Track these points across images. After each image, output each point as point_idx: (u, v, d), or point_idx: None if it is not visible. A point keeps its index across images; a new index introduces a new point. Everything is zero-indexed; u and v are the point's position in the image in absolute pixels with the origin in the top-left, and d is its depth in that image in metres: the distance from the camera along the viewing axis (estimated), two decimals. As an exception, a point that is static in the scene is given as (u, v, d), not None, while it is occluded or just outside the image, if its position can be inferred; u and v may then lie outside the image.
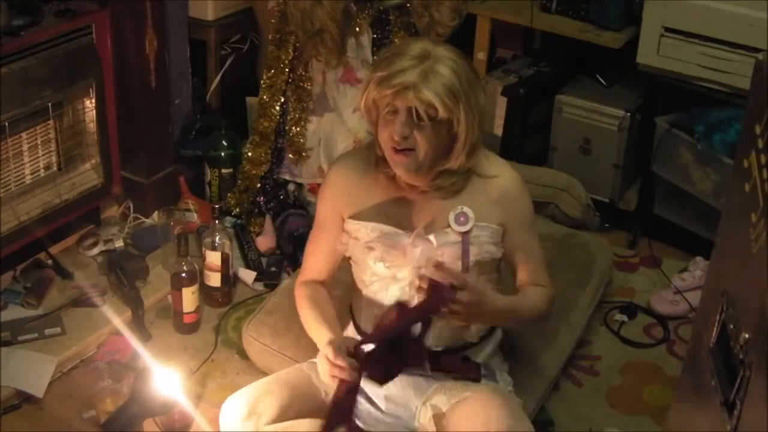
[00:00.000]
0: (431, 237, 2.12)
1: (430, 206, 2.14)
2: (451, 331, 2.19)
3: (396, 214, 2.16)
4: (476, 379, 2.22)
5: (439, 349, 2.20)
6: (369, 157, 2.17)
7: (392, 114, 2.01)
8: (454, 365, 2.22)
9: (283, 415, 2.13)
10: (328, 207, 2.24)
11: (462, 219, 2.12)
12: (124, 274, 2.90)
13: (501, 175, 2.18)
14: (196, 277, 2.81)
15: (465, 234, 2.12)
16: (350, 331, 2.31)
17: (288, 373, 2.28)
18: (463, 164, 2.09)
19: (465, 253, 2.12)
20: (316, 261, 2.30)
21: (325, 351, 2.05)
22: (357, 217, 2.18)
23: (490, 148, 3.50)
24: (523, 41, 3.92)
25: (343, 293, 2.43)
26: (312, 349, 2.25)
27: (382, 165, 2.12)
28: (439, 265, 2.03)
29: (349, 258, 2.25)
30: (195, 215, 3.29)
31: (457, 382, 2.20)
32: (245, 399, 2.13)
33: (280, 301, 2.70)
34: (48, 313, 2.81)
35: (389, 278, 2.17)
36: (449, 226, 2.12)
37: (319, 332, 2.19)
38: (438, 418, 2.15)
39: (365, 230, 2.16)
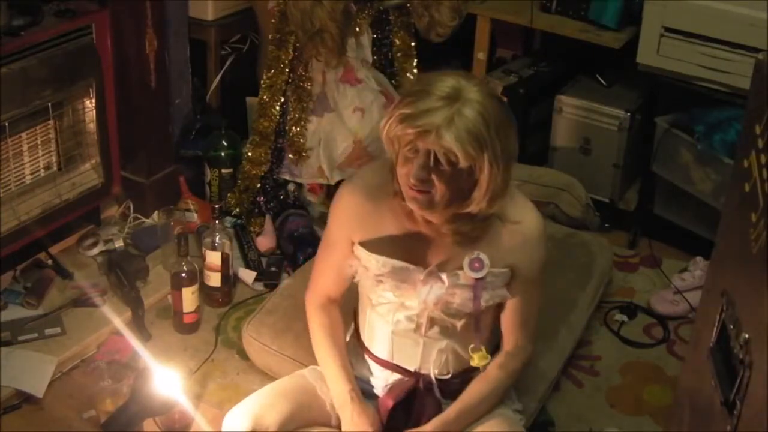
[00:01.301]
0: (443, 276, 2.05)
1: (446, 243, 2.05)
2: (454, 359, 2.17)
3: (409, 247, 2.07)
4: None
5: (446, 376, 2.18)
6: (386, 182, 2.04)
7: (412, 152, 1.90)
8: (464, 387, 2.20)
9: (287, 426, 2.12)
10: (338, 229, 2.15)
11: (477, 265, 2.03)
12: (124, 274, 2.90)
13: (523, 221, 2.07)
14: (196, 277, 2.81)
15: (478, 280, 2.04)
16: (351, 340, 2.30)
17: (291, 382, 2.25)
18: (483, 210, 1.96)
19: (476, 299, 2.05)
20: (326, 280, 2.23)
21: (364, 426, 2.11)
22: (368, 247, 2.09)
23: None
24: (523, 41, 3.92)
25: (349, 294, 2.43)
26: (312, 352, 2.26)
27: (400, 196, 2.01)
28: None
29: None
30: (195, 215, 3.29)
31: None
32: (248, 412, 2.10)
33: (279, 301, 2.70)
34: (48, 313, 2.81)
35: (398, 304, 2.11)
36: (463, 268, 2.05)
37: (337, 379, 2.17)
38: None
39: (376, 263, 2.08)
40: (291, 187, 3.31)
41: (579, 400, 2.65)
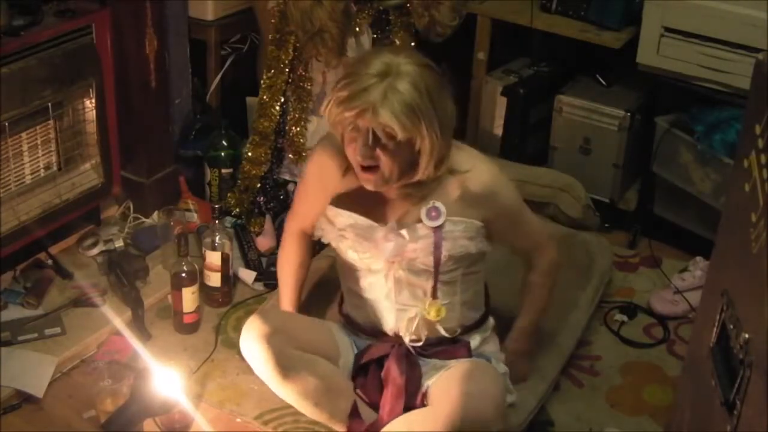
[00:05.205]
0: (403, 231, 2.13)
1: (404, 199, 2.16)
2: (425, 326, 2.24)
3: (370, 205, 2.17)
4: (469, 357, 2.27)
5: (419, 344, 2.24)
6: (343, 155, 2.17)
7: (355, 132, 2.01)
8: (444, 350, 2.27)
9: (304, 350, 2.22)
10: (313, 179, 2.29)
11: (433, 214, 2.12)
12: (124, 274, 2.90)
13: (474, 169, 2.16)
14: (196, 277, 2.81)
15: (437, 229, 2.12)
16: (334, 313, 2.46)
17: (315, 321, 2.40)
18: (431, 175, 2.08)
19: (437, 248, 2.12)
20: (304, 212, 2.36)
21: None
22: (335, 203, 2.21)
23: (489, 148, 3.54)
24: (523, 41, 3.92)
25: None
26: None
27: (353, 173, 2.13)
28: None
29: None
30: (195, 215, 3.29)
31: (448, 360, 2.26)
32: (271, 318, 2.23)
33: (279, 304, 2.70)
34: (48, 313, 2.81)
35: (365, 270, 2.21)
36: (421, 221, 2.14)
37: (284, 299, 2.51)
38: (426, 394, 2.23)
39: (341, 217, 2.19)
40: (291, 187, 3.31)
41: (579, 400, 2.65)
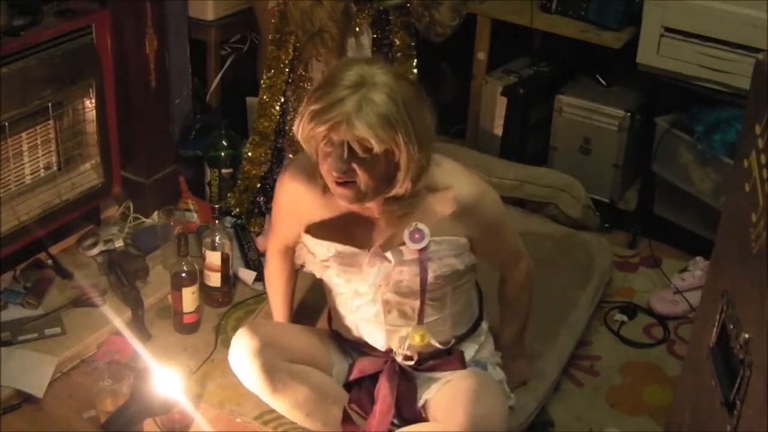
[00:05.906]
0: (388, 254, 2.08)
1: (387, 222, 2.08)
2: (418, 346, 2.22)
3: (352, 230, 2.11)
4: (463, 368, 2.25)
5: (411, 363, 2.21)
6: (317, 177, 2.07)
7: (329, 146, 1.91)
8: (437, 363, 2.25)
9: (295, 361, 2.21)
10: (285, 208, 2.22)
11: (417, 236, 2.04)
12: (124, 274, 2.90)
13: (455, 186, 2.07)
14: (196, 277, 2.81)
15: (422, 251, 2.05)
16: (325, 322, 2.44)
17: (308, 330, 2.38)
18: (409, 189, 1.99)
19: (423, 270, 2.06)
20: (282, 234, 2.30)
21: None
22: (312, 233, 2.15)
23: (489, 148, 3.54)
24: (523, 41, 3.92)
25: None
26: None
27: (329, 191, 2.05)
28: None
29: None
30: (195, 215, 3.29)
31: (444, 372, 2.24)
32: (261, 331, 2.20)
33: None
34: (48, 313, 2.81)
35: (353, 292, 2.17)
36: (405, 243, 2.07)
37: (275, 310, 2.48)
38: (425, 407, 2.23)
39: (321, 248, 2.13)
40: (291, 187, 3.31)
41: (579, 400, 2.65)
